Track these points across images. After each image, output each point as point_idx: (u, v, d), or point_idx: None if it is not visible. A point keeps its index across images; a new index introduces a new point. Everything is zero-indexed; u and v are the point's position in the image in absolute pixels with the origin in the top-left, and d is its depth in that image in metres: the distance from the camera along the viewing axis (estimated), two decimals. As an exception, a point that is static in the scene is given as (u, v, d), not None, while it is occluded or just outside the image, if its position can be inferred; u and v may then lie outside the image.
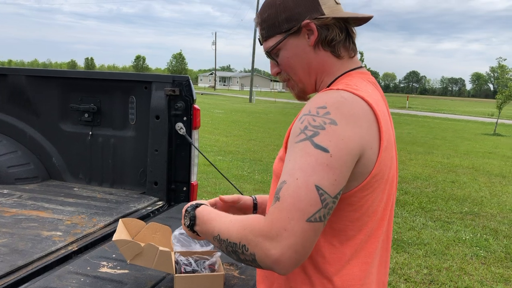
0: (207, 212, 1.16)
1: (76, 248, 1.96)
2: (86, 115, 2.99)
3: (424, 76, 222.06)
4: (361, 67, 1.17)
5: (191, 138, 2.71)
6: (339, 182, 0.94)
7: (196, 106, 2.74)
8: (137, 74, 2.97)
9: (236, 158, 9.39)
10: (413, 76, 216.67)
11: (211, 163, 2.68)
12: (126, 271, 1.70)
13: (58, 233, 2.09)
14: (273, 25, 1.15)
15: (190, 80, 2.74)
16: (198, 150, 2.75)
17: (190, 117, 2.72)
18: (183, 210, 1.25)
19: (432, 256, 4.56)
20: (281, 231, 0.90)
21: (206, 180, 7.03)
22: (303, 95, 1.22)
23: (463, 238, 5.15)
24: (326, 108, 0.97)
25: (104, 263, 1.77)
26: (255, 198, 1.43)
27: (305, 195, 0.91)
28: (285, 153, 1.08)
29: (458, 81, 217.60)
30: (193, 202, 1.24)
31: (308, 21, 1.10)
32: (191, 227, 1.18)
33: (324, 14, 1.11)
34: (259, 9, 1.21)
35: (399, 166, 9.40)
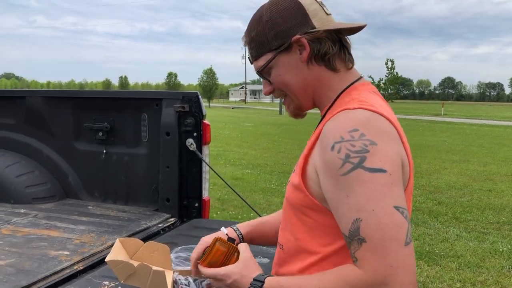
0: (277, 285, 0.99)
1: (82, 268, 1.95)
2: (100, 133, 3.02)
3: (460, 82, 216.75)
4: (361, 77, 1.12)
5: (201, 153, 2.69)
6: (404, 194, 0.93)
7: (206, 121, 2.73)
8: (148, 92, 3.00)
9: (265, 171, 9.33)
10: (448, 82, 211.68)
11: (221, 178, 2.65)
12: (126, 291, 1.66)
13: (66, 252, 2.09)
14: (262, 43, 1.10)
15: (199, 96, 2.73)
16: (209, 166, 2.72)
17: (200, 132, 2.71)
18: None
19: (466, 269, 4.33)
20: (387, 270, 0.85)
21: (234, 194, 7.00)
22: (299, 112, 1.18)
23: (500, 249, 4.88)
24: (359, 130, 0.92)
25: (106, 282, 1.75)
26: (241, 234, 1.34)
27: (390, 222, 0.87)
28: (302, 180, 1.04)
29: (496, 86, 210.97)
30: (251, 277, 1.04)
31: (298, 36, 1.05)
32: None
33: (314, 28, 1.06)
34: (246, 27, 1.16)
35: (433, 175, 9.15)
